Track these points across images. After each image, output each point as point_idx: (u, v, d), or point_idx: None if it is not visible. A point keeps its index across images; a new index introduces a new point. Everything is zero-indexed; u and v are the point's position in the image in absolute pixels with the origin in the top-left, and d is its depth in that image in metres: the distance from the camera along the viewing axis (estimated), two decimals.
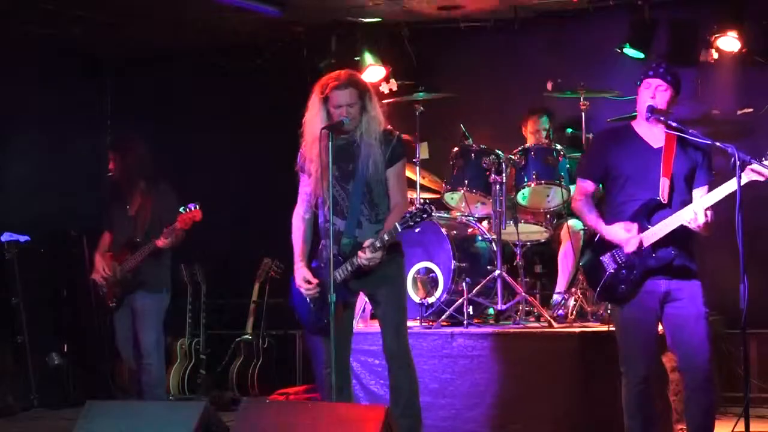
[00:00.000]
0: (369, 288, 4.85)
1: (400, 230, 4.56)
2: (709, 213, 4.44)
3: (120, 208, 6.39)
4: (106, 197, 6.67)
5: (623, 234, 4.57)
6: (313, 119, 4.76)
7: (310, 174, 4.83)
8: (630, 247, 4.54)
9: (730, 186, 4.41)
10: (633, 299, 4.60)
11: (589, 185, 4.82)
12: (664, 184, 4.58)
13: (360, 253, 4.60)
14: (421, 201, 4.63)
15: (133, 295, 6.24)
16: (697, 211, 4.44)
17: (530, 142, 7.13)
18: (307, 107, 4.82)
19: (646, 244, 4.54)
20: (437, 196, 7.23)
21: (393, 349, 4.81)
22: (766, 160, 4.37)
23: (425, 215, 4.53)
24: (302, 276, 4.82)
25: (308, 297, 4.83)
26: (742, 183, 4.37)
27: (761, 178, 4.38)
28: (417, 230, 5.02)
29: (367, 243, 4.59)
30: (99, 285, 6.33)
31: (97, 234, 6.48)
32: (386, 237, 4.58)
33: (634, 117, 4.85)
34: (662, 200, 4.56)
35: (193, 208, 6.01)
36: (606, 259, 4.64)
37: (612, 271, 4.60)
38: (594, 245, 4.75)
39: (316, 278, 4.80)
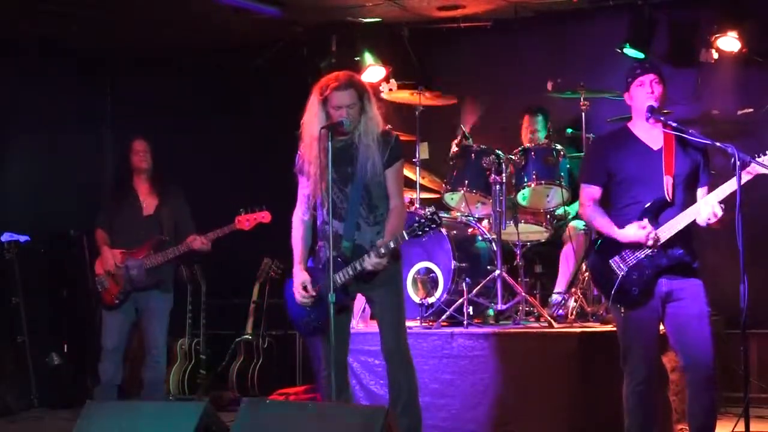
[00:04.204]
0: (367, 290, 4.84)
1: (407, 238, 4.55)
2: (722, 206, 4.47)
3: (127, 203, 6.34)
4: (108, 191, 6.64)
5: (641, 233, 4.53)
6: (312, 120, 4.73)
7: (308, 176, 4.81)
8: (650, 242, 4.51)
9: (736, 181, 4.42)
10: (645, 302, 4.57)
11: (595, 191, 4.77)
12: (667, 182, 4.57)
13: (366, 258, 4.58)
14: (430, 210, 4.61)
15: (145, 294, 6.22)
16: (714, 205, 4.45)
17: (524, 140, 7.14)
18: (306, 109, 4.80)
19: (662, 240, 4.53)
20: (437, 196, 7.24)
21: (392, 349, 4.80)
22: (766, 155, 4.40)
23: (434, 225, 4.54)
24: (301, 281, 4.79)
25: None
26: (748, 178, 4.39)
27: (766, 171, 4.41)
28: (424, 239, 5.01)
29: (378, 243, 4.57)
30: (100, 280, 6.26)
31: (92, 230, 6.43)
32: (392, 245, 4.57)
33: (631, 118, 4.85)
34: (668, 198, 4.56)
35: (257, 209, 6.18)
36: (615, 262, 4.61)
37: (623, 274, 4.58)
38: (599, 250, 4.71)
39: (313, 278, 4.78)
